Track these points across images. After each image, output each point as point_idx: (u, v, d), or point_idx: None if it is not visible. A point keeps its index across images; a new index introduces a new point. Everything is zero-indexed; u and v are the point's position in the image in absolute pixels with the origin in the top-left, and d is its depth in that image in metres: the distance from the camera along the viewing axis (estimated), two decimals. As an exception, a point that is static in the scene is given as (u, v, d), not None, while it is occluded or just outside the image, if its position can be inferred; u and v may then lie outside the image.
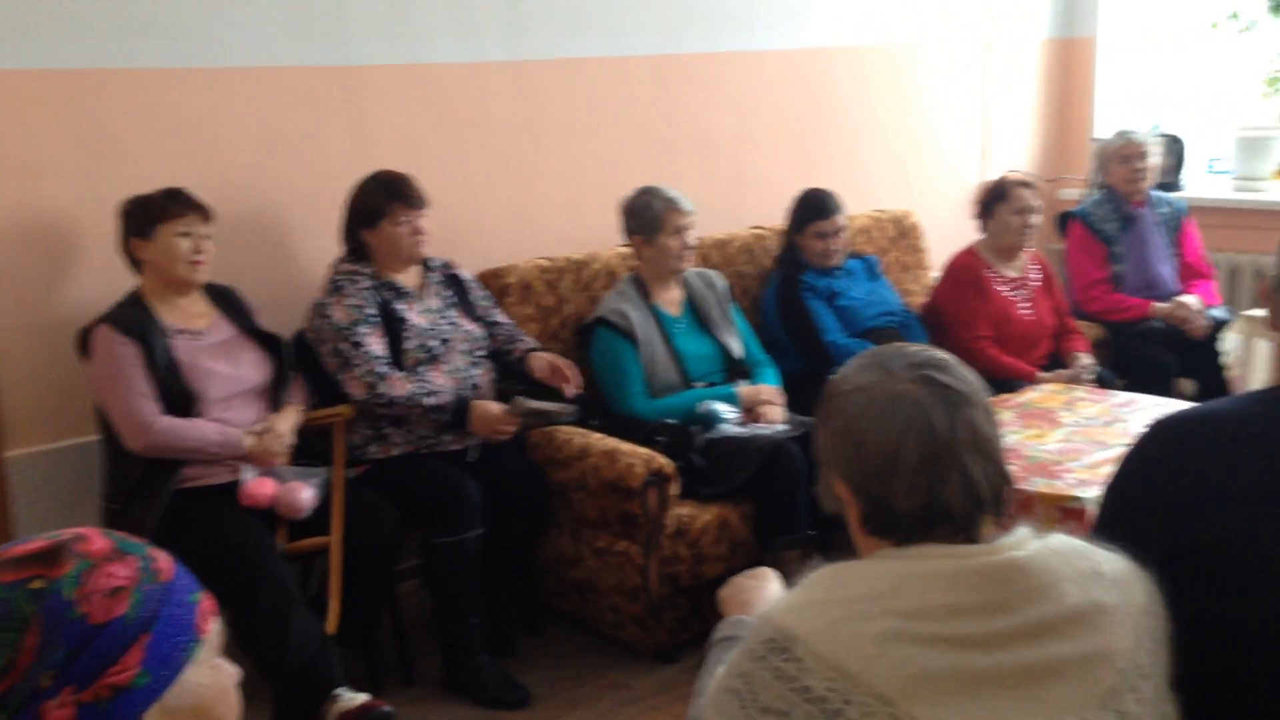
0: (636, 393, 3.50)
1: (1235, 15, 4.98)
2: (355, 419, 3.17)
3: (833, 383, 1.41)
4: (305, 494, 2.92)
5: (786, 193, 4.08)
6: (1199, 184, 5.18)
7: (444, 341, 3.27)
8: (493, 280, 3.59)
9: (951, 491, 1.29)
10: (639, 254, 3.64)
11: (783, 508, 3.29)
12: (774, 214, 4.20)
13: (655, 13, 4.12)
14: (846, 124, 4.73)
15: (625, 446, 3.26)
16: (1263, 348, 3.56)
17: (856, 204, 4.35)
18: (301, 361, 3.21)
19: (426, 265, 3.37)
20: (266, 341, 3.12)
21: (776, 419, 3.52)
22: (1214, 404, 1.59)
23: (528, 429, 3.31)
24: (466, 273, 3.47)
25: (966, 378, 1.36)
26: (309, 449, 3.10)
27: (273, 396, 3.10)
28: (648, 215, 3.56)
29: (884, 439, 1.30)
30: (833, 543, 3.47)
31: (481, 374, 3.34)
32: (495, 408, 3.19)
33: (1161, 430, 1.52)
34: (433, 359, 3.23)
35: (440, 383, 3.20)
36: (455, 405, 3.17)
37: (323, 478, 3.02)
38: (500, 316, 3.47)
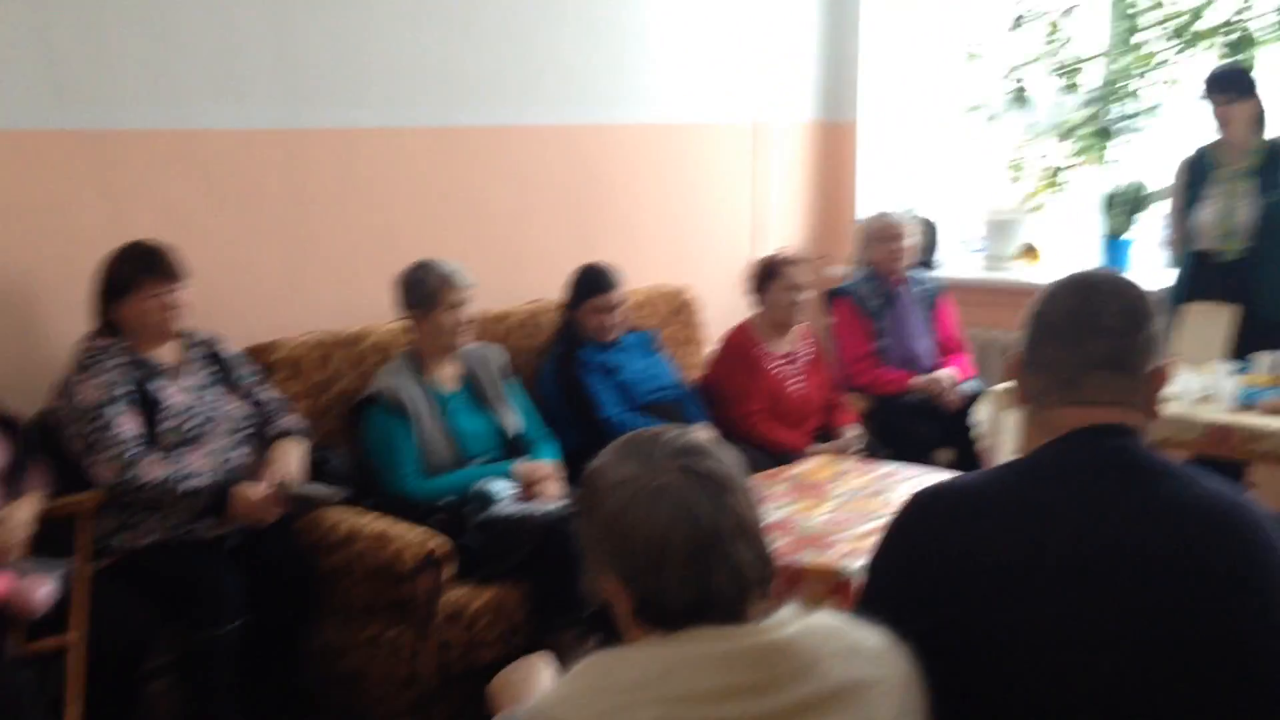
0: (410, 472, 3.41)
1: (978, 107, 5.32)
2: (103, 506, 2.96)
3: (592, 473, 1.39)
4: (42, 590, 2.69)
5: (565, 267, 4.09)
6: (954, 263, 5.48)
7: (204, 421, 3.10)
8: (260, 356, 3.45)
9: (720, 580, 1.30)
10: (414, 329, 3.57)
11: (561, 588, 3.24)
12: (552, 288, 4.20)
13: (434, 84, 4.10)
14: (625, 200, 4.80)
15: (397, 529, 3.16)
16: (1011, 419, 3.76)
17: (634, 279, 4.40)
18: (46, 445, 2.98)
19: (188, 340, 3.21)
20: (3, 424, 2.89)
21: (555, 496, 3.49)
22: (968, 477, 1.65)
23: (294, 513, 3.17)
24: (231, 348, 3.32)
25: (726, 462, 1.38)
26: (52, 540, 2.86)
27: (9, 483, 2.86)
28: (423, 290, 3.50)
29: (651, 534, 1.31)
30: (613, 622, 3.44)
31: (244, 455, 3.18)
32: (258, 491, 3.04)
33: (918, 505, 1.58)
34: (191, 440, 3.06)
35: (198, 465, 3.03)
36: (214, 489, 3.01)
37: (65, 571, 2.80)
38: (266, 394, 3.32)
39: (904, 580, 1.53)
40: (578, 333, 4.00)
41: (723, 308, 4.85)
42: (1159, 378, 1.57)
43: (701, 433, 1.45)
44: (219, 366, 3.25)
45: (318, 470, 3.29)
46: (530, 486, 3.48)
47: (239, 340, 3.40)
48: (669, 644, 1.29)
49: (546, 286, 4.27)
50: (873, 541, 2.86)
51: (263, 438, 3.25)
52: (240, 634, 2.91)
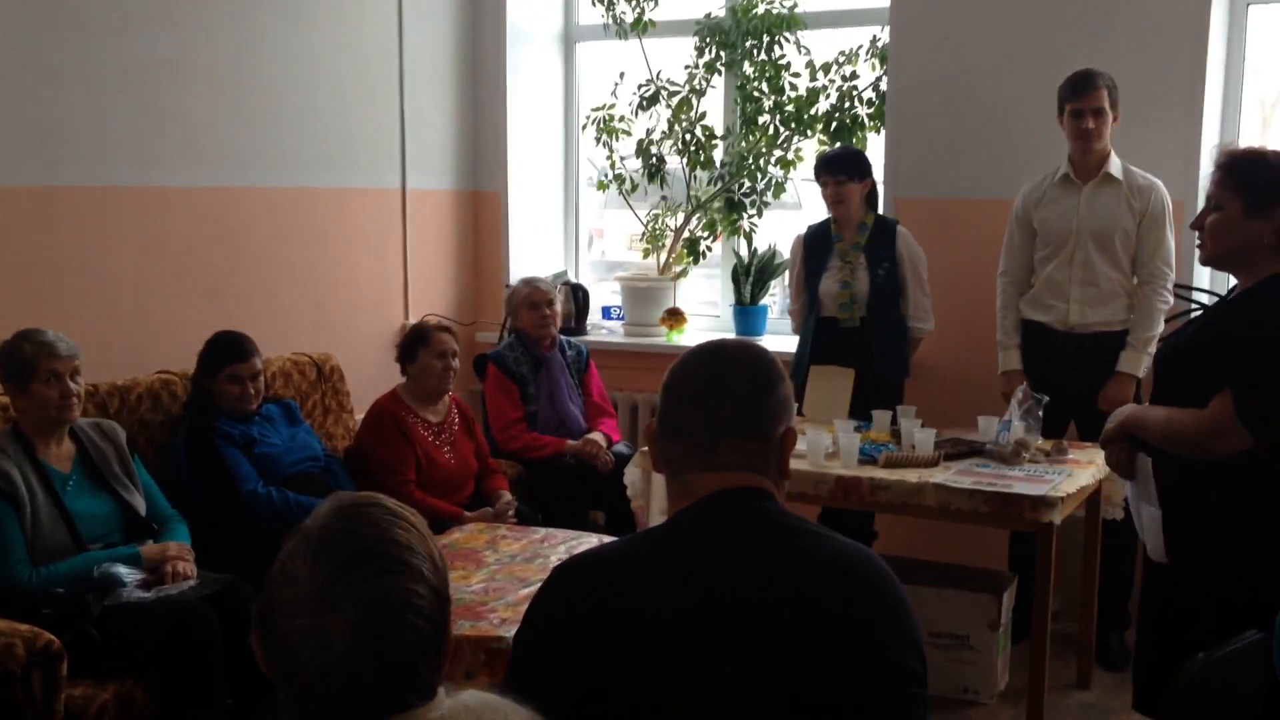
0: (19, 560, 3.05)
1: (618, 178, 5.52)
2: None
3: (276, 574, 1.26)
4: None
5: (197, 336, 3.84)
6: (599, 330, 5.62)
7: None
8: None
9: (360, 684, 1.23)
10: (15, 405, 3.22)
11: (196, 676, 3.01)
12: (182, 358, 3.93)
13: (38, 140, 3.77)
14: (263, 266, 4.59)
15: (3, 624, 2.80)
16: (660, 481, 3.86)
17: (275, 346, 4.21)
18: None
19: None
20: None
21: (186, 579, 3.23)
22: (609, 545, 1.68)
23: None
24: None
25: (400, 569, 1.26)
26: None
27: None
28: (18, 361, 3.18)
29: (292, 657, 1.22)
30: (254, 708, 3.22)
31: None
32: None
33: (559, 576, 1.58)
34: None
35: None
36: None
37: None
38: None
39: (548, 651, 1.52)
40: (212, 404, 3.75)
41: (371, 375, 4.71)
42: (789, 440, 1.64)
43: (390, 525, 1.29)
44: None
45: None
46: (159, 570, 3.20)
47: None
48: None
49: (175, 356, 4.00)
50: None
51: None
52: None
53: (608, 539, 3.52)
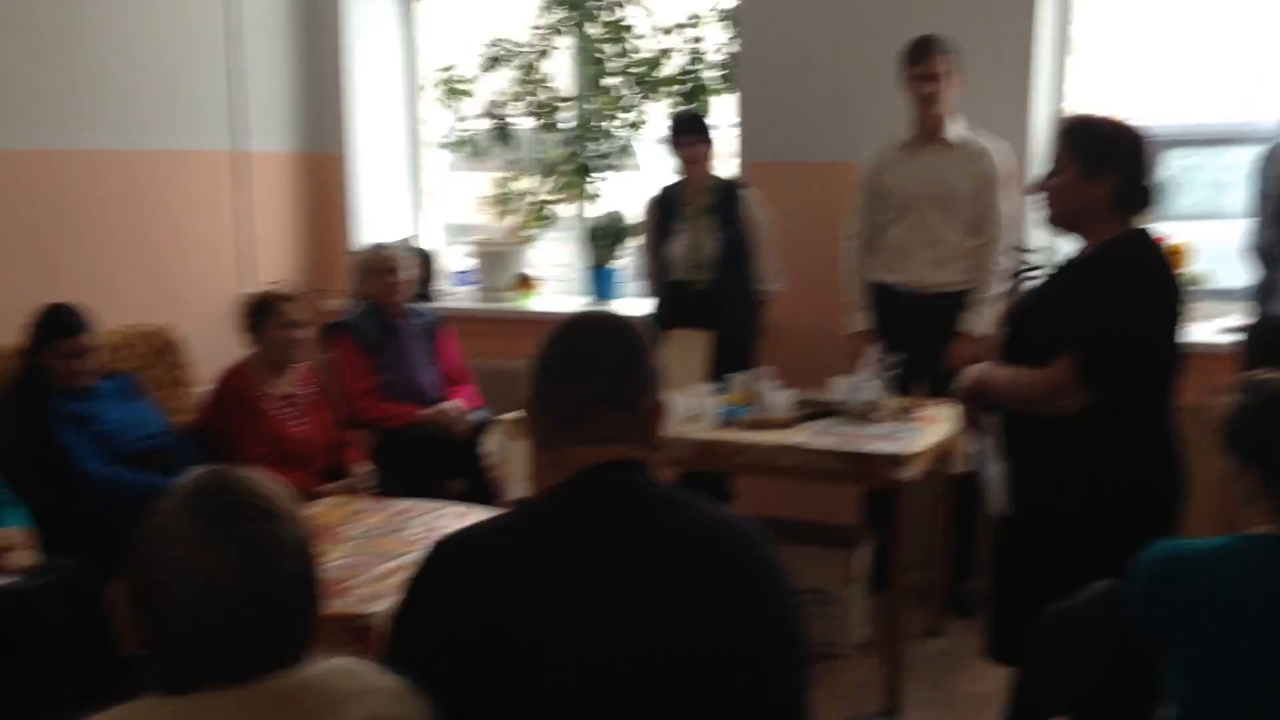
0: None
1: (464, 141, 5.43)
2: None
3: (149, 533, 1.28)
4: None
5: (21, 309, 3.63)
6: (450, 295, 5.53)
7: None
8: None
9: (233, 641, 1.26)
10: None
11: (40, 665, 2.88)
12: (5, 332, 3.71)
13: None
14: (88, 233, 4.36)
15: None
16: (519, 449, 3.84)
17: (108, 318, 4.00)
18: None
19: None
20: None
21: (25, 565, 3.07)
22: (487, 522, 1.66)
23: None
24: None
25: (274, 523, 1.30)
26: None
27: None
28: None
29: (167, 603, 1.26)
30: (99, 695, 3.09)
31: None
32: None
33: (439, 555, 1.56)
34: None
35: None
36: None
37: None
38: None
39: (429, 631, 1.50)
40: (43, 381, 3.55)
41: (212, 347, 4.54)
42: (658, 412, 1.65)
43: (261, 481, 1.33)
44: None
45: None
46: (-5, 559, 3.04)
47: None
48: (180, 703, 1.25)
49: (1, 331, 3.77)
50: (393, 582, 2.83)
51: None
52: None
53: (469, 509, 3.50)
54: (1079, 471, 2.51)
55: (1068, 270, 2.64)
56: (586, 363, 1.61)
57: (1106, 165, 2.48)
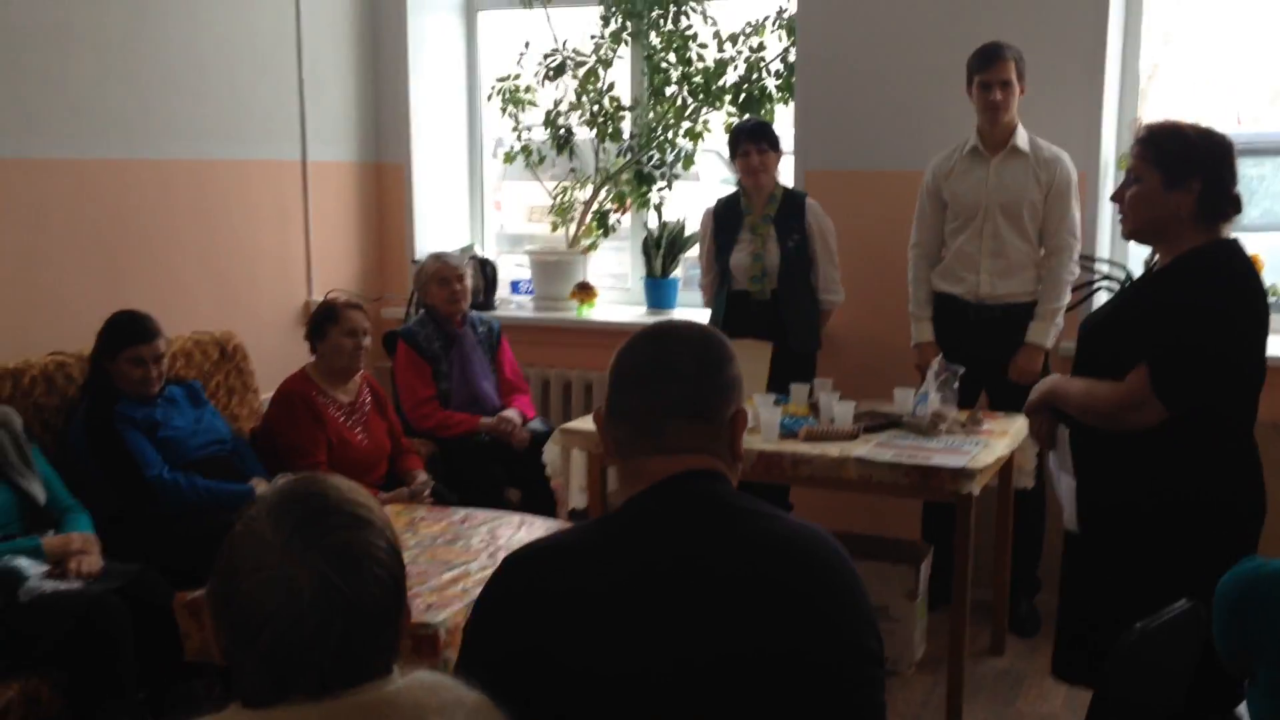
0: (-91, 556, 2.89)
1: (527, 149, 5.45)
2: None
3: (234, 540, 1.26)
4: None
5: (92, 315, 3.68)
6: (508, 304, 5.55)
7: None
8: None
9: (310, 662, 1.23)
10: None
11: (106, 671, 2.89)
12: (77, 339, 3.77)
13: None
14: (159, 241, 4.42)
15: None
16: (579, 458, 3.83)
17: (174, 325, 4.05)
18: None
19: None
20: None
21: (92, 570, 3.11)
22: (561, 534, 1.64)
23: None
24: None
25: (363, 531, 1.28)
26: None
27: None
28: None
29: (253, 615, 1.22)
30: (167, 701, 3.12)
31: None
32: None
33: (510, 567, 1.54)
34: None
35: None
36: None
37: None
38: None
39: (499, 645, 1.48)
40: (113, 386, 3.60)
41: (275, 354, 4.59)
42: (740, 421, 1.62)
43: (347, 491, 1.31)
44: None
45: None
46: (64, 562, 3.07)
47: None
48: (264, 715, 1.22)
49: (70, 337, 3.83)
50: (456, 590, 2.82)
51: None
52: None
53: (528, 518, 3.50)
54: (1154, 488, 2.44)
55: (1146, 280, 2.57)
56: (666, 371, 1.59)
57: (1190, 173, 2.41)
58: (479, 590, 2.76)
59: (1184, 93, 4.85)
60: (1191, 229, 2.45)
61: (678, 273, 5.33)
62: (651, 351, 1.62)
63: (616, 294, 5.53)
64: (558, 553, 1.56)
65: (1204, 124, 2.50)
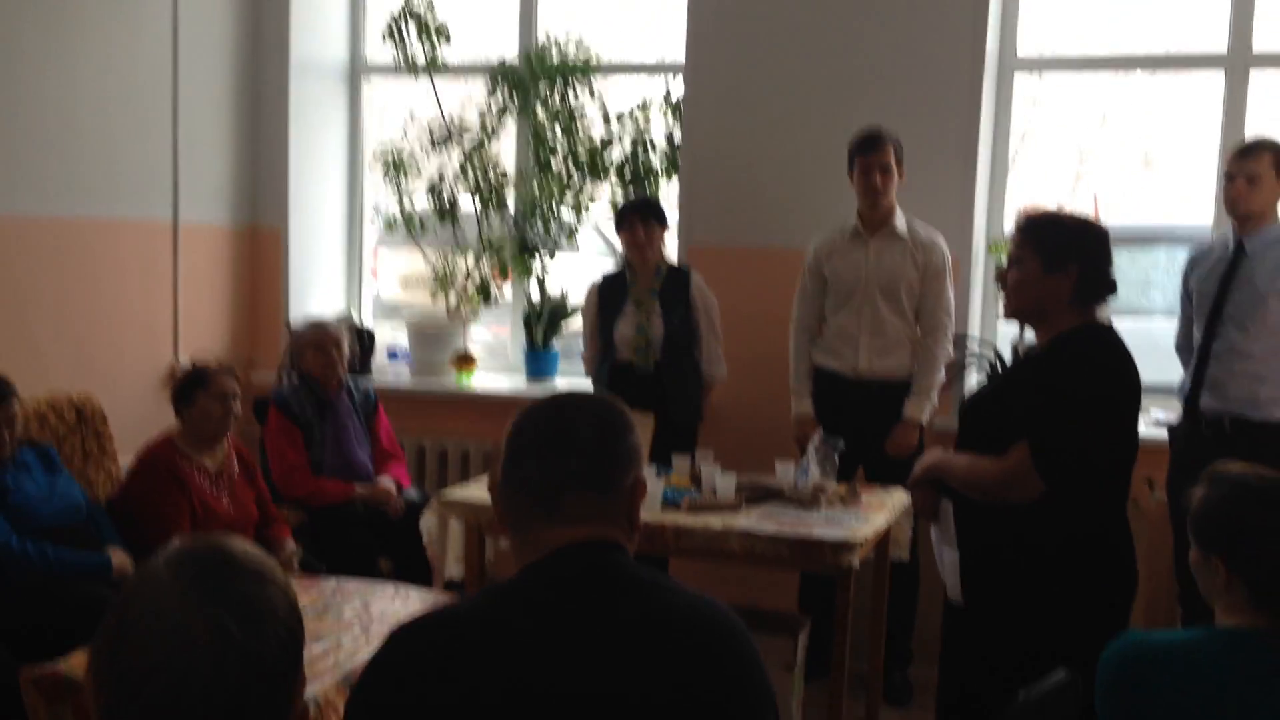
0: None
1: (409, 217, 5.38)
2: None
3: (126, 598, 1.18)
4: None
5: (-61, 373, 3.48)
6: (386, 372, 5.44)
7: None
8: None
9: None
10: None
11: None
12: (-78, 397, 3.55)
13: None
14: (12, 298, 4.21)
15: None
16: (457, 528, 3.74)
17: (26, 386, 3.84)
18: None
19: None
20: None
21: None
22: (450, 607, 1.58)
23: None
24: None
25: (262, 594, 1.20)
26: None
27: None
28: None
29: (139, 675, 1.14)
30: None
31: None
32: None
33: (396, 641, 1.48)
34: None
35: None
36: None
37: None
38: None
39: (389, 717, 1.42)
40: (-40, 448, 3.39)
41: (135, 418, 4.40)
42: (639, 491, 1.60)
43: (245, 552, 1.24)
44: None
45: None
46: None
47: None
48: None
49: (-87, 395, 3.60)
50: (328, 664, 2.71)
51: None
52: None
53: (403, 588, 3.38)
54: (1033, 560, 2.50)
55: (1026, 361, 2.66)
56: (565, 441, 1.56)
57: (1068, 259, 2.52)
58: (350, 664, 2.66)
59: (1048, 181, 5.07)
60: (1069, 311, 2.54)
61: (558, 344, 5.31)
62: (550, 420, 1.59)
63: (496, 363, 5.48)
64: (446, 627, 1.50)
65: (1078, 212, 2.61)
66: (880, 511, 3.61)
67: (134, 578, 1.19)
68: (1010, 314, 2.67)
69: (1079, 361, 2.50)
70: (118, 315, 4.69)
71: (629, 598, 1.49)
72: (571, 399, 1.66)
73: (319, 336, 4.43)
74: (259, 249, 5.40)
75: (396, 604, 3.25)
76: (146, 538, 3.68)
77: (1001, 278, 2.63)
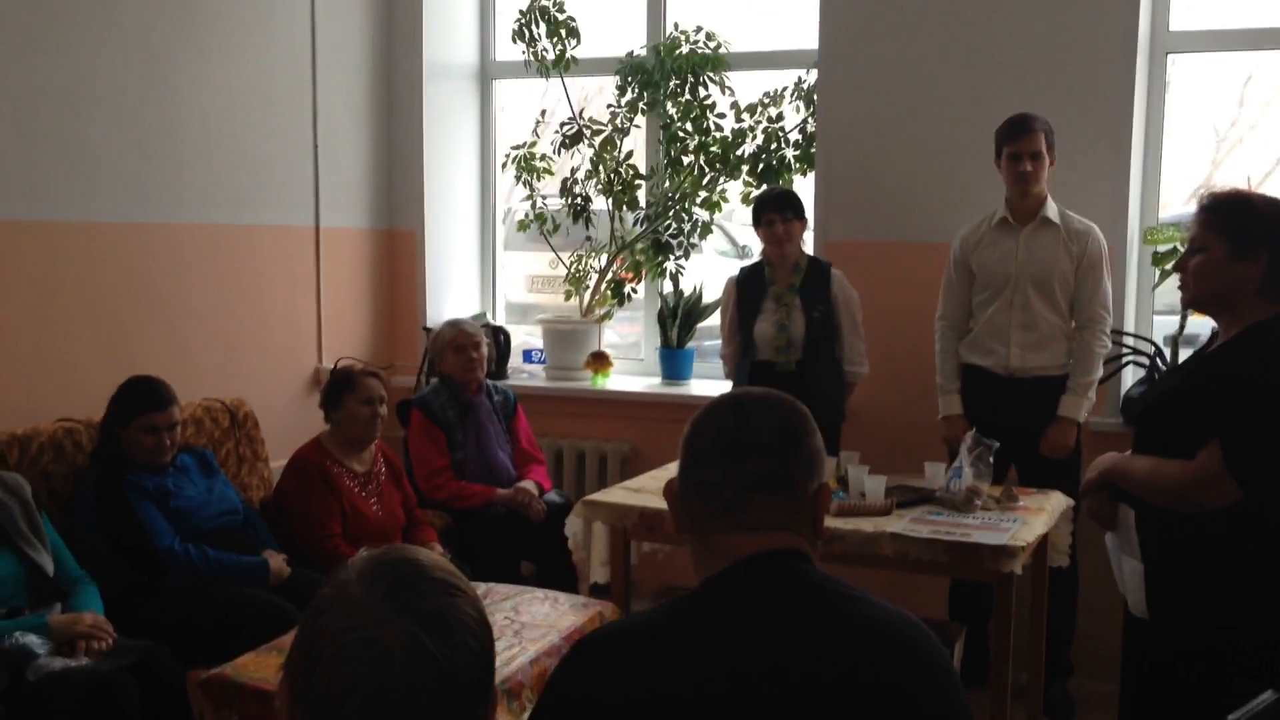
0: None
1: (541, 217, 5.38)
2: None
3: (320, 605, 1.17)
4: None
5: (100, 381, 3.60)
6: (519, 373, 5.46)
7: None
8: None
9: None
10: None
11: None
12: (85, 405, 3.67)
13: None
14: (167, 306, 4.32)
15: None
16: (602, 532, 3.71)
17: (183, 392, 3.94)
18: None
19: None
20: None
21: (99, 647, 2.98)
22: (635, 620, 1.56)
23: None
24: None
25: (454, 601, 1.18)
26: None
27: None
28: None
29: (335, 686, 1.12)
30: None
31: None
32: None
33: (582, 652, 1.46)
34: None
35: None
36: None
37: None
38: None
39: None
40: (123, 454, 3.49)
41: (284, 422, 4.49)
42: (823, 497, 1.54)
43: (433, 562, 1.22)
44: None
45: None
46: (73, 644, 2.94)
47: None
48: None
49: (78, 403, 3.73)
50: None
51: None
52: None
53: (551, 594, 3.37)
54: (1227, 569, 2.34)
55: (1210, 355, 2.50)
56: (747, 443, 1.51)
57: (1259, 245, 2.35)
58: (505, 670, 2.64)
59: (1206, 163, 4.83)
60: (1256, 301, 2.38)
61: (693, 343, 5.26)
62: (731, 422, 1.54)
63: (630, 364, 5.45)
64: (631, 639, 1.47)
65: (1272, 194, 2.44)
66: (1039, 515, 3.47)
67: (324, 591, 1.18)
68: (1189, 302, 2.51)
69: (1273, 353, 2.33)
70: (264, 320, 4.79)
71: (828, 608, 1.44)
72: (751, 398, 1.60)
73: (458, 338, 4.45)
74: (396, 252, 5.46)
75: (547, 608, 3.24)
76: (300, 540, 3.75)
77: (1182, 264, 2.47)
